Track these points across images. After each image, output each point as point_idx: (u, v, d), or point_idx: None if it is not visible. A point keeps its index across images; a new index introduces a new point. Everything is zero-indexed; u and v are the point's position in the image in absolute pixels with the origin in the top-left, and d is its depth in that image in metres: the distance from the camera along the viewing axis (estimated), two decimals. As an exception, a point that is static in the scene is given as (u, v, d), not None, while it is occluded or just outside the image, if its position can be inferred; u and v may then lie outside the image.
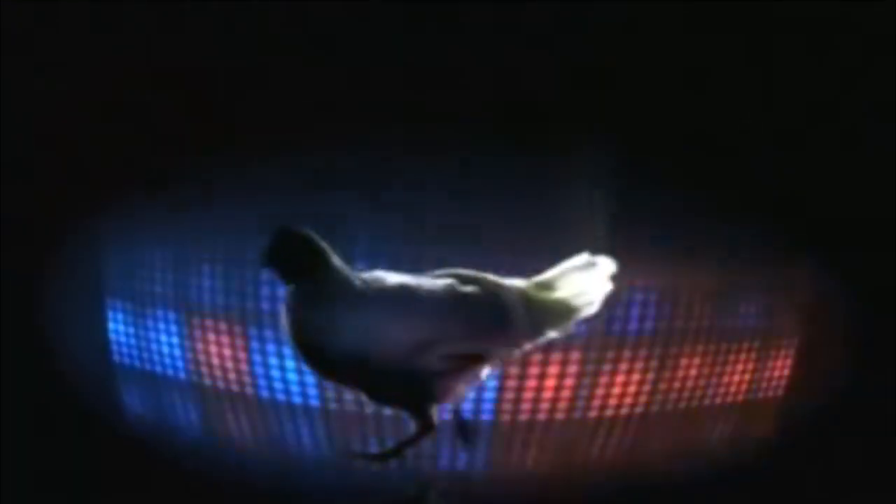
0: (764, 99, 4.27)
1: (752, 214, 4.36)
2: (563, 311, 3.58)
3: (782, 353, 4.44)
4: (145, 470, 3.56)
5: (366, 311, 3.38)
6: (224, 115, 4.27)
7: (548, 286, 3.60)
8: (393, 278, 3.46)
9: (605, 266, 3.66)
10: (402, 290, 3.44)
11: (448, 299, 3.45)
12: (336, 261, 3.40)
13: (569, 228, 4.22)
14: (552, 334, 3.58)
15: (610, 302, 4.17)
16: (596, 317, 4.14)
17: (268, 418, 4.21)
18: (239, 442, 4.04)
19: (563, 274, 3.63)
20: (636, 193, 4.27)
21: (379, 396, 3.48)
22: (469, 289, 3.47)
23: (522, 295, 3.53)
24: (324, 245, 3.40)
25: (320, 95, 4.23)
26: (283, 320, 3.42)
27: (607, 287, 3.65)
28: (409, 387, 3.41)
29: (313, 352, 3.38)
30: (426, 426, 3.48)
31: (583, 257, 3.67)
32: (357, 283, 3.39)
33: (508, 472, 3.85)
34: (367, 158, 4.24)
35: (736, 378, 4.39)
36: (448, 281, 3.48)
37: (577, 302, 3.60)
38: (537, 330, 3.55)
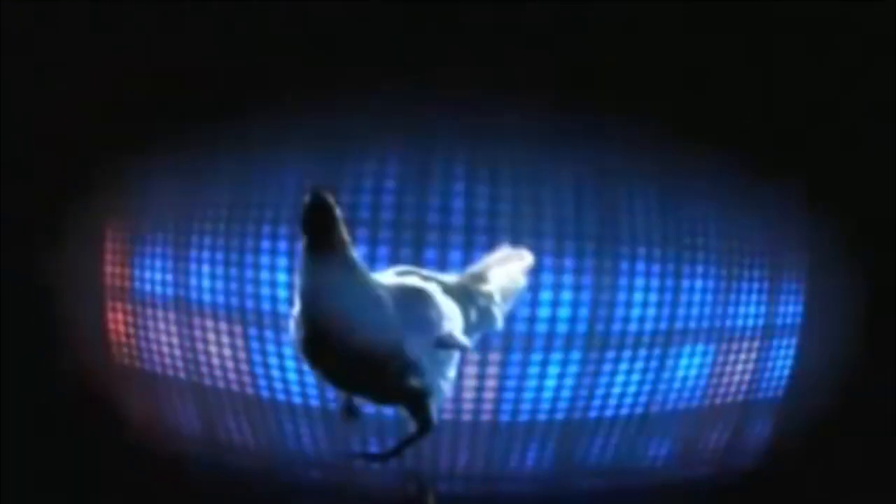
0: (764, 99, 4.27)
1: (752, 214, 4.36)
2: (491, 305, 3.62)
3: (782, 352, 4.45)
4: (145, 470, 3.56)
5: (378, 298, 3.41)
6: (224, 115, 4.27)
7: (479, 279, 3.65)
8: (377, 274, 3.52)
9: (525, 259, 3.71)
10: (409, 286, 3.50)
11: (427, 294, 3.50)
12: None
13: (569, 227, 4.22)
14: (484, 328, 3.64)
15: (610, 301, 4.19)
16: (596, 317, 4.17)
17: (268, 418, 4.21)
18: (239, 442, 4.04)
19: (487, 268, 3.68)
20: (636, 193, 4.28)
21: (370, 389, 3.49)
22: (433, 285, 3.54)
23: (463, 289, 3.59)
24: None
25: (320, 95, 4.23)
26: (298, 297, 3.40)
27: (524, 281, 3.70)
28: (406, 376, 3.42)
29: (323, 331, 3.38)
30: (425, 425, 3.49)
31: (504, 250, 3.71)
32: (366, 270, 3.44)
33: (508, 472, 3.85)
34: (367, 158, 4.25)
35: (736, 378, 4.39)
36: (416, 279, 3.54)
37: (501, 296, 3.65)
38: (476, 325, 3.62)
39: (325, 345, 3.38)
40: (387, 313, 3.38)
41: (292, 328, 3.43)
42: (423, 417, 3.49)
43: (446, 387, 3.51)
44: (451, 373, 3.53)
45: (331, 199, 3.34)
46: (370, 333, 3.35)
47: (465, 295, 3.60)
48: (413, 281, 3.54)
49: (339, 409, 3.62)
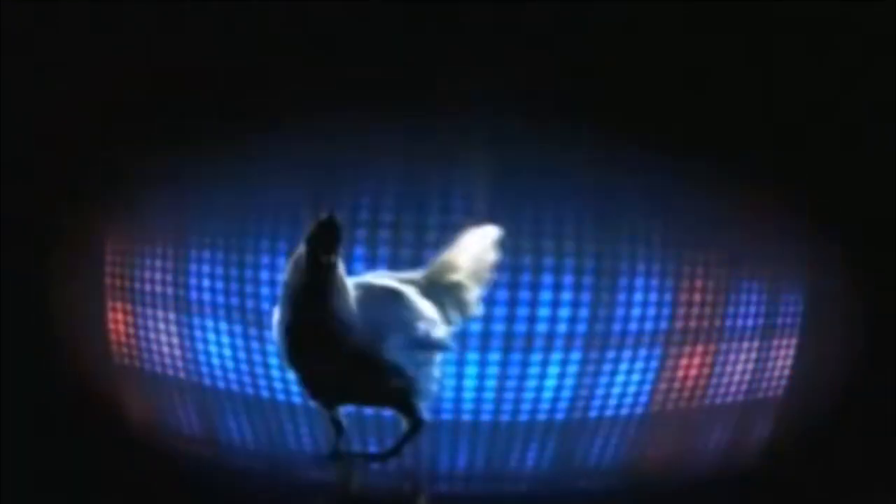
0: (764, 99, 4.27)
1: (752, 215, 4.36)
2: (464, 294, 3.64)
3: (782, 352, 4.45)
4: (145, 470, 3.56)
5: (368, 303, 3.43)
6: (224, 115, 4.27)
7: (449, 269, 3.66)
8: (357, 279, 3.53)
9: (490, 234, 3.72)
10: (384, 287, 3.52)
11: (402, 295, 3.52)
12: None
13: (569, 227, 4.22)
14: (464, 317, 3.65)
15: (610, 301, 4.19)
16: (596, 317, 4.17)
17: (268, 418, 4.21)
18: (239, 442, 4.05)
19: (454, 255, 3.68)
20: (636, 193, 4.28)
21: (358, 391, 3.50)
22: (409, 288, 3.56)
23: (436, 286, 3.61)
24: None
25: (320, 96, 4.23)
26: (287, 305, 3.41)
27: (494, 256, 3.70)
28: (387, 377, 3.44)
29: (308, 337, 3.39)
30: (416, 424, 3.51)
31: (469, 232, 3.72)
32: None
33: (509, 472, 3.85)
34: (367, 158, 4.25)
35: (736, 378, 4.39)
36: (392, 281, 3.56)
37: (474, 280, 3.66)
38: (456, 319, 3.64)
39: (309, 350, 3.40)
40: (366, 318, 3.40)
41: (275, 333, 3.45)
42: (411, 416, 3.51)
43: (432, 386, 3.53)
44: (436, 372, 3.55)
45: (340, 224, 3.35)
46: (351, 338, 3.37)
47: (439, 292, 3.62)
48: (388, 283, 3.56)
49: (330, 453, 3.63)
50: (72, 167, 4.36)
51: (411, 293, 3.56)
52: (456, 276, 3.68)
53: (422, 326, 3.51)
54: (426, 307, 3.55)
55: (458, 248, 3.72)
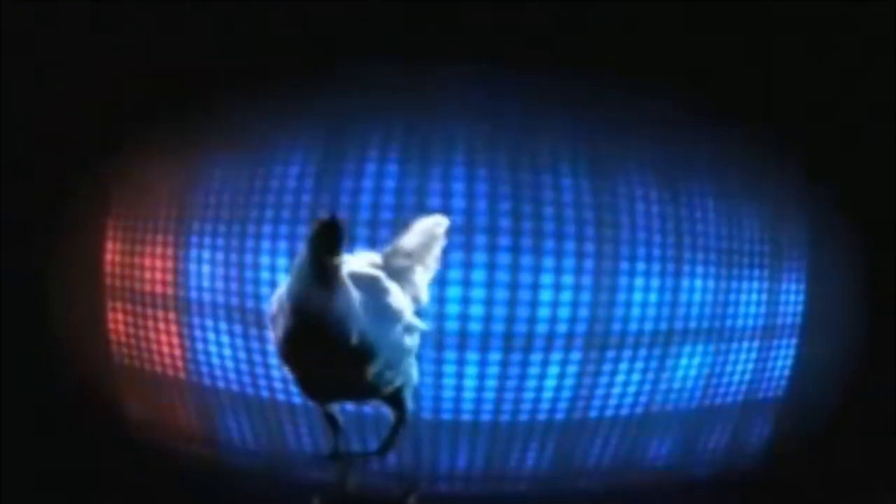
0: (764, 99, 4.28)
1: (752, 215, 4.36)
2: (415, 277, 3.67)
3: (782, 352, 4.45)
4: (145, 470, 3.56)
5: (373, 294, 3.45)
6: (224, 116, 4.28)
7: (400, 254, 3.67)
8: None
9: (441, 223, 3.72)
10: (370, 276, 3.53)
11: (387, 285, 3.54)
12: None
13: (569, 228, 4.23)
14: (416, 302, 3.68)
15: (610, 302, 4.19)
16: (596, 317, 4.17)
17: (268, 418, 4.21)
18: (239, 442, 4.05)
19: (404, 242, 3.69)
20: (636, 194, 4.28)
21: (356, 388, 3.51)
22: (381, 273, 3.58)
23: (391, 269, 3.62)
24: None
25: (320, 96, 4.23)
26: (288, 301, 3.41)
27: (444, 241, 3.71)
28: (383, 371, 3.45)
29: (311, 337, 3.39)
30: (404, 414, 3.53)
31: (419, 220, 3.72)
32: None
33: (508, 472, 3.85)
34: (367, 157, 4.25)
35: (736, 378, 4.39)
36: (367, 267, 3.57)
37: (423, 265, 3.69)
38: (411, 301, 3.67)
39: (311, 351, 3.40)
40: (365, 313, 3.41)
41: (275, 334, 3.44)
42: (400, 407, 3.53)
43: (414, 373, 3.55)
44: (414, 360, 3.57)
45: (342, 224, 3.35)
46: (353, 337, 3.37)
47: (394, 275, 3.63)
48: (370, 272, 3.55)
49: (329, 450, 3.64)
50: (72, 167, 4.36)
51: (385, 278, 3.57)
52: (407, 262, 3.68)
53: (406, 312, 3.53)
54: (399, 291, 3.57)
55: (409, 234, 3.72)
